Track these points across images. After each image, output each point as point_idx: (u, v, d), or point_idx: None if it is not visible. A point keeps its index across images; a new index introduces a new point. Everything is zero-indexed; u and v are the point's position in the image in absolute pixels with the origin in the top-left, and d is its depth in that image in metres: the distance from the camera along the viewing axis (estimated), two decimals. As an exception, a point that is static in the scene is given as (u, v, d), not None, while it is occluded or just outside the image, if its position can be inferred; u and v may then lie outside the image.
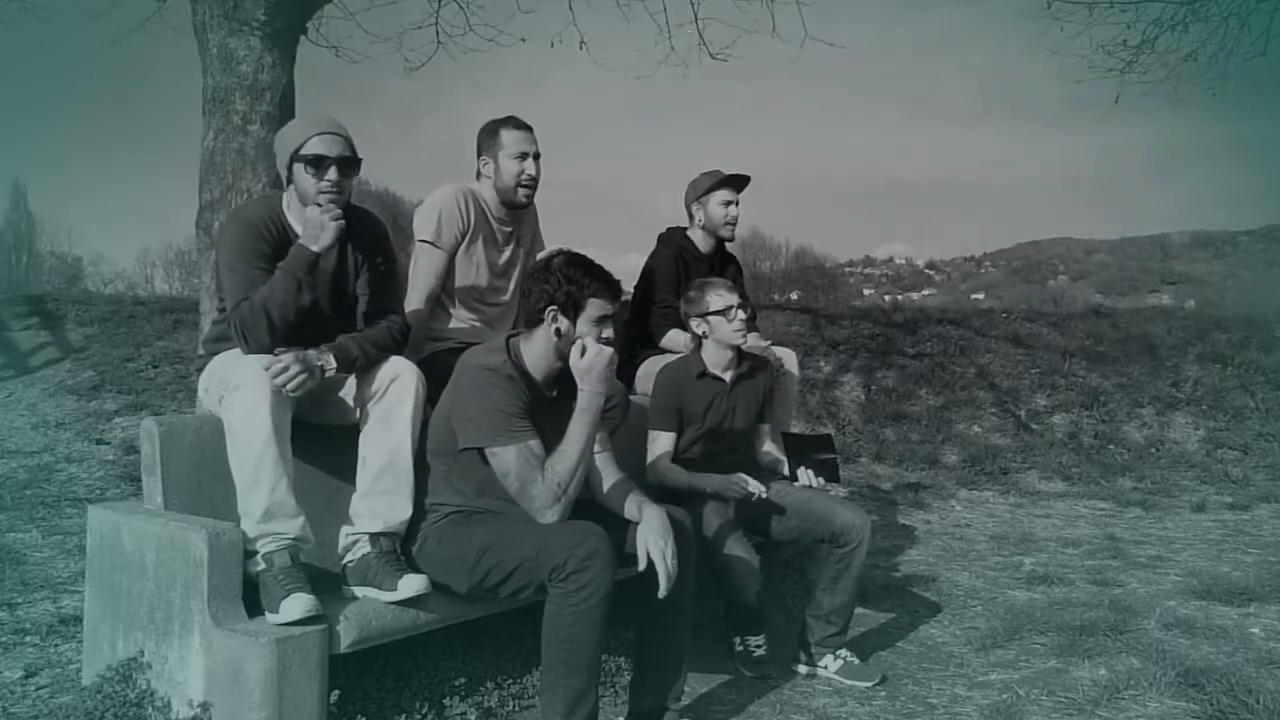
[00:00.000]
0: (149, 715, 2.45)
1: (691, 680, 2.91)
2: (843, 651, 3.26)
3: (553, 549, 2.34)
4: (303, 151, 2.65)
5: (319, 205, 2.64)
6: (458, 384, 2.58)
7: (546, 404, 2.63)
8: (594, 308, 2.55)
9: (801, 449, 3.26)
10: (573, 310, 2.54)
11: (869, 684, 3.16)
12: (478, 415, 2.49)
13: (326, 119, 2.71)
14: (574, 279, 2.54)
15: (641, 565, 2.47)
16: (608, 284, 2.58)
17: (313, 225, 2.63)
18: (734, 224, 4.15)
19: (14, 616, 3.39)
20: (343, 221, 2.65)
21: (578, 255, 2.63)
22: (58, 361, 7.45)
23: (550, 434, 2.64)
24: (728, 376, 3.43)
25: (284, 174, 2.73)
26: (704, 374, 3.41)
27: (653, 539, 2.47)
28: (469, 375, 2.55)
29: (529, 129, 3.36)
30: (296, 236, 2.70)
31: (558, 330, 2.55)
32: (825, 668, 3.24)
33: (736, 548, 3.11)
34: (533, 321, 2.60)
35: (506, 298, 3.46)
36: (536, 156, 3.35)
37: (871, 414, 7.90)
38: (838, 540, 3.21)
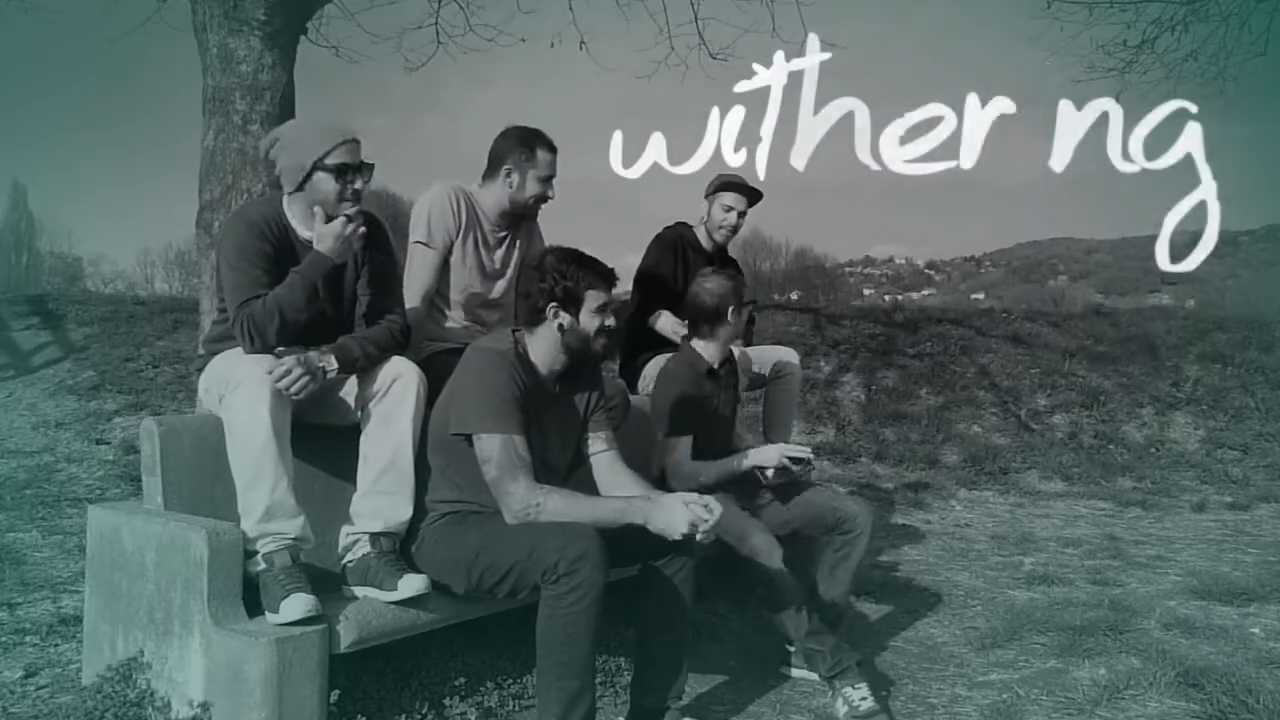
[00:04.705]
0: (149, 715, 2.45)
1: (691, 680, 2.91)
2: (848, 691, 2.94)
3: (544, 551, 2.35)
4: (327, 160, 2.66)
5: (348, 217, 2.67)
6: (462, 367, 2.62)
7: (549, 398, 2.67)
8: (592, 299, 2.61)
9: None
10: (573, 305, 2.60)
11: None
12: (472, 400, 2.52)
13: (346, 126, 2.72)
14: (569, 274, 2.60)
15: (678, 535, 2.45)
16: (601, 274, 2.65)
17: (335, 237, 2.65)
18: (729, 230, 4.16)
19: (14, 616, 3.39)
20: (364, 231, 2.70)
21: (569, 250, 2.69)
22: (58, 361, 7.45)
23: (550, 427, 2.66)
24: (722, 371, 3.45)
25: (297, 178, 2.70)
26: (711, 371, 3.40)
27: (679, 514, 2.44)
28: (473, 357, 2.61)
29: (556, 151, 3.40)
30: (299, 237, 2.72)
31: (561, 326, 2.60)
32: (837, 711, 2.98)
33: (759, 538, 3.06)
34: (535, 320, 2.63)
35: (501, 299, 3.46)
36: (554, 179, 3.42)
37: (871, 414, 7.90)
38: (840, 528, 3.22)
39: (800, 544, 3.40)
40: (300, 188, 2.70)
